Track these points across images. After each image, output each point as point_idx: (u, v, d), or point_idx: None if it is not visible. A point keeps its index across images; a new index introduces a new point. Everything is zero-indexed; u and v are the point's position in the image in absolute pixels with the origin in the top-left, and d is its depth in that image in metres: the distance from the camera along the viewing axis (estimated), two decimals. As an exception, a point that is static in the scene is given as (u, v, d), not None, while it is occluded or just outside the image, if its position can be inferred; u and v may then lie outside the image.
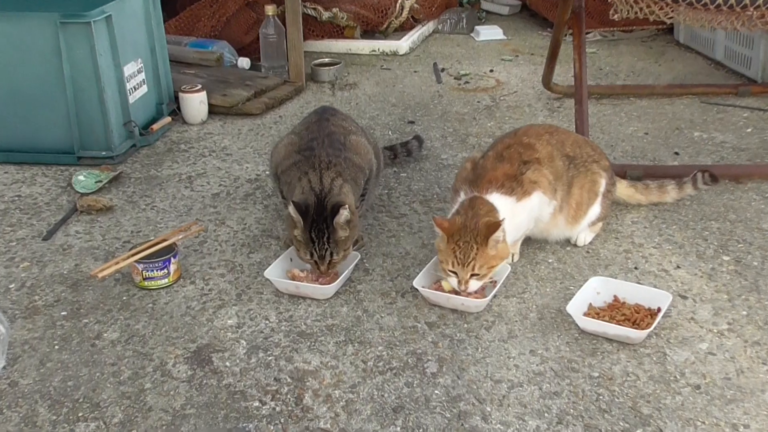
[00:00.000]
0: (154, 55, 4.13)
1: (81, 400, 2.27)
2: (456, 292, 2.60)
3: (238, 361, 2.41)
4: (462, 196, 2.72)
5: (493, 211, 2.62)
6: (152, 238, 3.02)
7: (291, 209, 2.62)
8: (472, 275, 2.55)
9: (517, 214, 2.68)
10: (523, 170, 2.71)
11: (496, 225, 2.52)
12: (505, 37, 5.94)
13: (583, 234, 2.98)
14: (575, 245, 2.98)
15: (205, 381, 2.33)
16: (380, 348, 2.45)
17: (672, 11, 3.25)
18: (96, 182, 3.55)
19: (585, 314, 2.54)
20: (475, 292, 2.63)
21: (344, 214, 2.63)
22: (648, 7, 3.28)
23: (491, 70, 5.15)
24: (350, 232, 2.69)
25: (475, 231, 2.54)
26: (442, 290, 2.64)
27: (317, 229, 2.63)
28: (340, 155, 2.85)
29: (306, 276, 2.72)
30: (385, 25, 5.69)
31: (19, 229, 3.19)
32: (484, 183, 2.68)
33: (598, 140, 3.95)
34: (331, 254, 2.65)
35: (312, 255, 2.65)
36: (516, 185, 2.68)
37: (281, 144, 3.05)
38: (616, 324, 2.47)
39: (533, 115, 4.36)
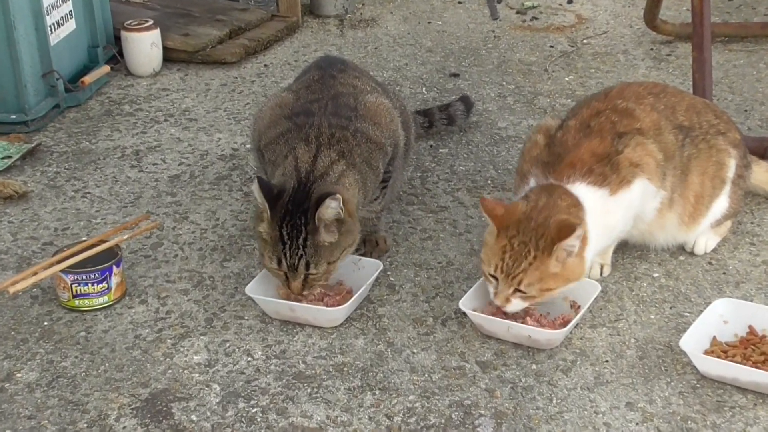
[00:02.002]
0: (87, -23, 4.18)
1: (-13, 466, 2.32)
2: (524, 319, 2.64)
3: (209, 413, 2.44)
4: (532, 183, 2.75)
5: (576, 206, 2.64)
6: (85, 238, 3.06)
7: (254, 187, 2.65)
8: (516, 291, 2.58)
9: (611, 212, 2.70)
10: (619, 147, 2.73)
11: (570, 227, 2.54)
12: (590, -46, 5.94)
13: (704, 238, 2.99)
14: (692, 253, 3.00)
15: (161, 441, 2.37)
16: (412, 397, 2.48)
17: None
18: (3, 158, 3.60)
19: (706, 352, 2.56)
20: (525, 311, 2.66)
21: (332, 206, 2.63)
22: None
23: (570, 2, 5.16)
24: (341, 238, 2.69)
25: (540, 230, 2.56)
26: (501, 314, 2.66)
27: (291, 225, 2.64)
28: (348, 127, 2.87)
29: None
30: (416, -64, 5.71)
31: None
32: (564, 167, 2.70)
33: (726, 104, 3.95)
34: (307, 265, 2.66)
35: (280, 263, 2.66)
36: (610, 171, 2.70)
37: (268, 105, 3.07)
38: (752, 367, 2.48)
39: (631, 67, 4.36)
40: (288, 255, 2.63)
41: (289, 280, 2.66)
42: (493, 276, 2.60)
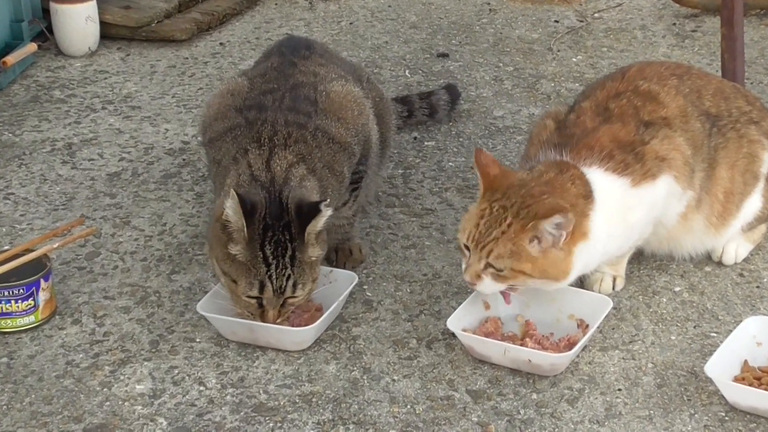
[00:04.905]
0: (10, -60, 4.17)
1: None
2: (523, 341, 2.66)
3: (153, 452, 2.45)
4: (541, 159, 2.77)
5: (586, 199, 2.66)
6: (8, 246, 3.05)
7: (230, 205, 2.62)
8: (487, 266, 2.60)
9: (631, 207, 2.72)
10: (645, 137, 2.76)
11: (553, 209, 2.55)
12: None
13: (734, 245, 3.02)
14: (720, 263, 3.02)
15: (98, 485, 2.38)
16: (392, 433, 2.50)
17: None
18: None
19: (736, 379, 2.57)
20: (525, 331, 2.69)
21: (327, 214, 2.65)
22: None
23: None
24: (322, 251, 2.73)
25: (528, 200, 2.59)
26: (496, 335, 2.68)
27: (275, 242, 2.65)
28: (306, 125, 2.87)
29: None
30: None
31: None
32: (581, 147, 2.73)
33: (761, 88, 3.97)
34: (294, 286, 2.66)
35: (263, 288, 2.65)
36: (633, 160, 2.72)
37: (218, 90, 3.09)
38: (788, 395, 2.50)
39: (650, 45, 4.38)
40: (274, 277, 2.63)
41: (266, 309, 2.66)
42: (466, 247, 2.64)
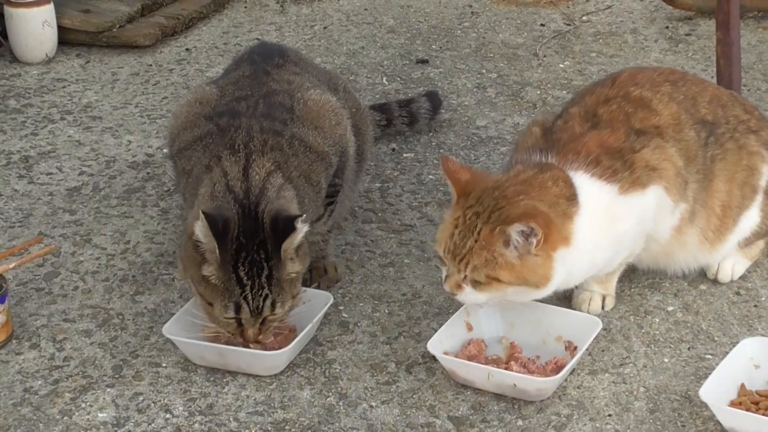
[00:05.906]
0: (-38, -60, 4.18)
1: None
2: (508, 364, 2.68)
3: (117, 484, 2.46)
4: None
5: (569, 200, 2.67)
6: (-39, 266, 3.07)
7: (198, 227, 2.62)
8: (466, 277, 2.62)
9: (619, 216, 2.73)
10: (635, 145, 2.79)
11: (524, 215, 2.56)
12: None
13: (731, 261, 3.04)
14: (716, 281, 3.04)
15: None
16: (369, 462, 2.51)
17: None
18: None
19: (733, 404, 2.58)
20: (510, 354, 2.71)
21: (303, 231, 2.66)
22: None
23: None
24: (303, 265, 2.74)
25: (501, 202, 2.60)
26: (479, 359, 2.70)
27: (249, 262, 2.65)
28: (282, 132, 2.88)
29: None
30: None
31: None
32: (566, 152, 2.75)
33: (759, 95, 3.99)
34: (273, 305, 2.67)
35: (239, 309, 2.66)
36: (622, 167, 2.74)
37: (185, 100, 3.09)
38: (787, 420, 2.51)
39: (642, 50, 4.40)
40: (250, 298, 2.63)
41: (245, 328, 2.66)
42: (439, 257, 2.66)
